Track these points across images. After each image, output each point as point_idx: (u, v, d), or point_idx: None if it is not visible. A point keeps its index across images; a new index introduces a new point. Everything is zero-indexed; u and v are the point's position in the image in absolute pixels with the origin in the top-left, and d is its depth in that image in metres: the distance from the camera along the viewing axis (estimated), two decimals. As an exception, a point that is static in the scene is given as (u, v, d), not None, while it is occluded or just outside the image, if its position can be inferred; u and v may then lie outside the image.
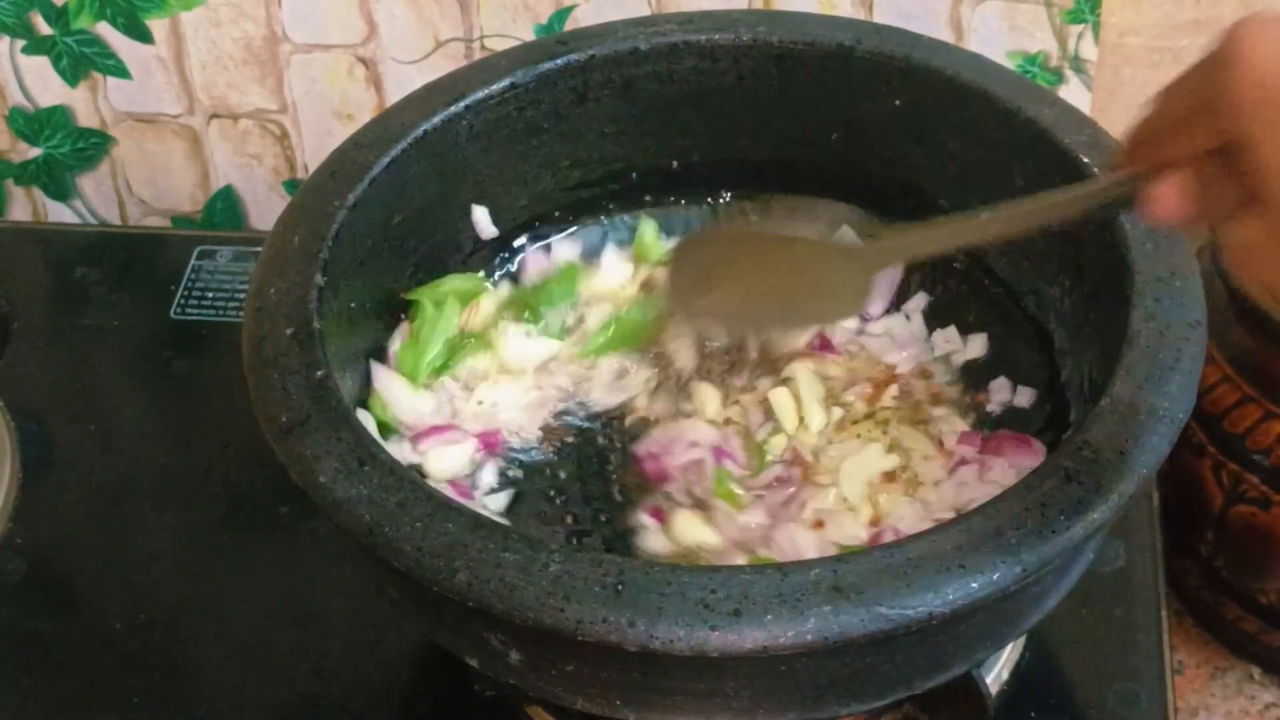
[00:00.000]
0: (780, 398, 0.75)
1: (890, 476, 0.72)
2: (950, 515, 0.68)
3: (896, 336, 0.80)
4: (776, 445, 0.73)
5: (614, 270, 0.81)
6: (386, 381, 0.74)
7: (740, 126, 0.80)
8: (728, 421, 0.75)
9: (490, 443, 0.75)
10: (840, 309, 0.69)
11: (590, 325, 0.79)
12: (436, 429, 0.74)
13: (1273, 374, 0.83)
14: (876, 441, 0.74)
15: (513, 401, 0.77)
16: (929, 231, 0.62)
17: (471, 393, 0.76)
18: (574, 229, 0.82)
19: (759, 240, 0.68)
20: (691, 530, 0.70)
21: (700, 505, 0.71)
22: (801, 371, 0.76)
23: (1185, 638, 0.92)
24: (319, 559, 0.80)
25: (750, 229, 0.75)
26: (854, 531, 0.69)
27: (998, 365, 0.77)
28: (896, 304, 0.81)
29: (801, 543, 0.68)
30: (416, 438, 0.73)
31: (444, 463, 0.73)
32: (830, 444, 0.74)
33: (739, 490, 0.72)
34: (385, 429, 0.73)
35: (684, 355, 0.77)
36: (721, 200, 0.83)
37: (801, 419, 0.75)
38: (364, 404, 0.73)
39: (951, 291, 0.80)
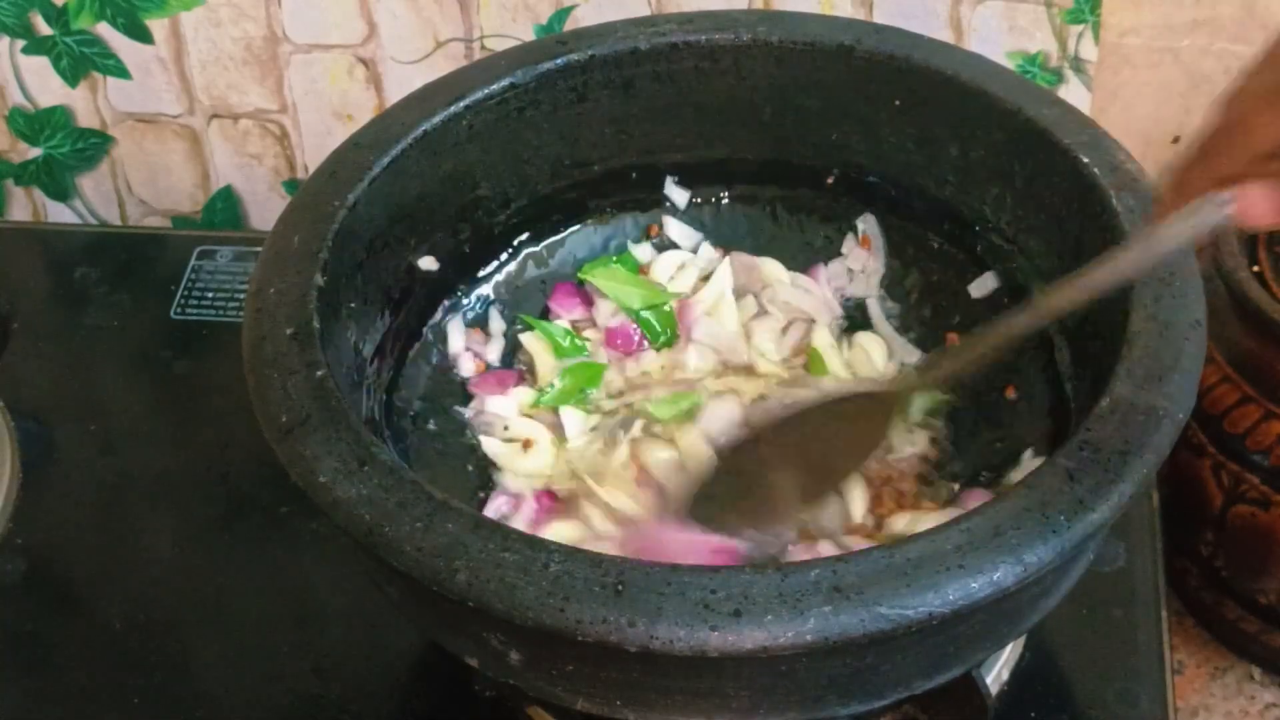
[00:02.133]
0: None
1: None
2: None
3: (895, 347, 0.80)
4: None
5: None
6: None
7: (740, 126, 0.80)
8: None
9: None
10: (868, 447, 0.70)
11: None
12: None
13: (1273, 374, 0.83)
14: None
15: None
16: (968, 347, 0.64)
17: None
18: (574, 229, 0.82)
19: (772, 431, 0.70)
20: None
21: None
22: None
23: (1185, 638, 0.92)
24: (319, 559, 0.80)
25: (761, 421, 0.73)
26: None
27: (998, 367, 0.77)
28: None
29: None
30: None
31: None
32: None
33: None
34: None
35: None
36: (721, 200, 0.83)
37: None
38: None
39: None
